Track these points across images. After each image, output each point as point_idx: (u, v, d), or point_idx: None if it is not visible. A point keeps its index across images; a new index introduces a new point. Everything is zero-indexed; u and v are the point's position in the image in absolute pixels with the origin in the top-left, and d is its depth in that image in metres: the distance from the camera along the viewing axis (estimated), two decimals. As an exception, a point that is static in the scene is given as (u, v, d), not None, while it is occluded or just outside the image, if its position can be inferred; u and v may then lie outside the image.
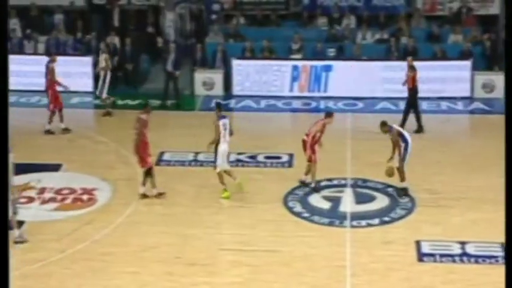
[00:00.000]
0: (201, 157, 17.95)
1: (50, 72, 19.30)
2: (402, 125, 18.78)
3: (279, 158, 17.97)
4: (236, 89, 22.21)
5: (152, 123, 16.16)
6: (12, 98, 21.05)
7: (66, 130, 19.16)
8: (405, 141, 15.70)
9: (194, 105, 21.65)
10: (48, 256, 13.74)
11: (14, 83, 21.39)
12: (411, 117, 19.56)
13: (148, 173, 15.86)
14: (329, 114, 16.22)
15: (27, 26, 23.34)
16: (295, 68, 22.17)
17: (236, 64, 22.24)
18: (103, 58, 20.74)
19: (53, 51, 22.52)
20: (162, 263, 13.77)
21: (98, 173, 16.60)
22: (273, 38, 23.24)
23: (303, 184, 16.12)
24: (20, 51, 22.60)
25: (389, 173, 15.73)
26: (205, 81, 22.32)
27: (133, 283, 13.14)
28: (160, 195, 15.92)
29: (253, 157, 17.94)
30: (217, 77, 22.31)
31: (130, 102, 21.53)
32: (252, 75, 22.09)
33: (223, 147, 15.70)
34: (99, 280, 13.20)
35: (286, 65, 22.13)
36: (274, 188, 16.41)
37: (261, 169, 17.49)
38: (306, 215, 15.31)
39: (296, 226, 14.96)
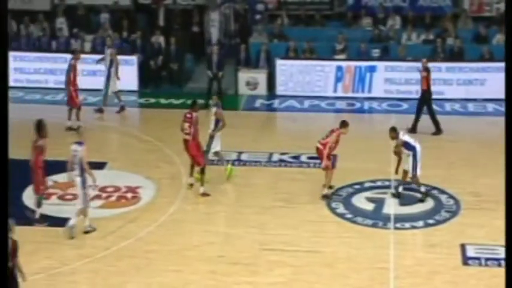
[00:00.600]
0: (244, 157, 18.00)
1: (72, 69, 19.41)
2: (414, 125, 18.87)
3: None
4: (280, 89, 22.22)
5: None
6: (59, 96, 21.46)
7: (70, 129, 19.19)
8: (412, 149, 15.50)
9: (237, 105, 21.71)
10: (94, 253, 13.91)
11: (61, 80, 21.88)
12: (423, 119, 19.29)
13: (202, 171, 16.00)
14: (344, 124, 15.95)
15: (74, 24, 23.60)
16: (339, 68, 22.10)
17: (280, 64, 22.24)
18: (108, 53, 20.67)
19: (99, 50, 22.79)
20: (205, 261, 13.84)
21: (142, 172, 16.74)
22: (317, 38, 23.19)
23: (326, 197, 15.87)
24: (67, 49, 22.85)
25: (403, 177, 15.63)
26: (249, 81, 22.37)
27: (177, 281, 13.23)
28: (205, 195, 16.01)
29: (296, 157, 17.93)
30: (260, 77, 22.34)
31: (174, 101, 21.65)
32: (295, 75, 22.07)
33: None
34: (142, 278, 13.32)
35: (330, 66, 22.07)
36: (317, 189, 16.37)
37: (304, 169, 17.47)
38: (349, 216, 15.26)
39: (339, 227, 14.92)
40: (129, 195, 16.14)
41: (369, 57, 22.54)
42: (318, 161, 17.75)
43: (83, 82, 21.71)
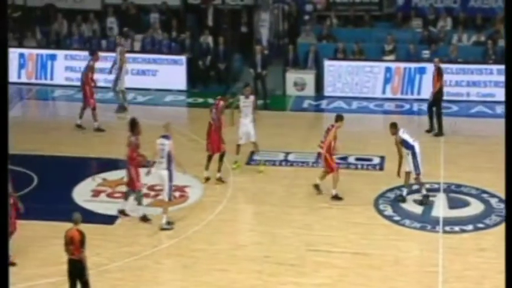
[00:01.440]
0: (291, 157, 17.97)
1: (89, 69, 19.52)
2: (440, 127, 18.95)
3: (370, 160, 17.81)
4: (327, 90, 22.13)
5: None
6: (108, 95, 21.68)
7: (80, 127, 19.29)
8: (410, 147, 15.35)
9: (285, 106, 21.67)
10: (142, 250, 14.02)
11: (110, 79, 22.09)
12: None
13: (221, 158, 16.41)
14: (340, 117, 15.91)
15: (124, 24, 23.82)
16: (388, 69, 21.93)
17: (328, 65, 22.15)
18: (118, 51, 20.71)
19: (149, 49, 22.99)
20: (251, 261, 13.86)
21: (190, 171, 16.79)
22: (365, 39, 23.05)
23: (335, 198, 15.80)
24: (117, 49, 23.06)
25: (405, 180, 15.49)
26: (297, 81, 22.32)
27: (223, 280, 13.27)
28: (220, 180, 16.40)
29: (344, 158, 17.83)
30: (308, 77, 22.28)
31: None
32: (343, 76, 21.96)
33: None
34: (189, 276, 13.39)
35: (379, 67, 21.91)
36: (364, 190, 16.29)
37: (351, 171, 17.37)
38: (397, 218, 15.13)
39: (387, 229, 14.80)
40: (177, 193, 16.20)
41: (418, 58, 22.32)
42: (366, 162, 17.70)
43: (132, 81, 22.01)
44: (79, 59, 22.13)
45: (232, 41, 23.51)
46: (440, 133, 19.18)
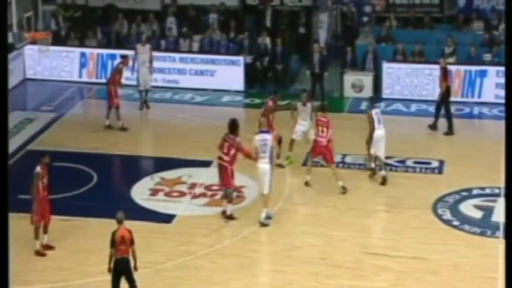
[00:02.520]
0: (348, 159, 17.86)
1: (117, 72, 19.60)
2: (450, 126, 19.08)
3: (428, 163, 17.60)
4: (386, 92, 21.92)
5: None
6: (167, 95, 21.87)
7: (109, 127, 19.34)
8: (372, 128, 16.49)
9: (343, 107, 21.55)
10: (198, 250, 14.10)
11: (169, 79, 22.29)
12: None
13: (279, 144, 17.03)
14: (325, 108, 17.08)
15: (183, 24, 23.98)
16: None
17: (387, 67, 21.95)
18: (141, 50, 20.68)
19: (207, 49, 23.09)
20: (307, 263, 13.82)
21: (248, 171, 16.82)
22: (425, 41, 22.77)
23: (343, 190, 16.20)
24: (175, 49, 23.26)
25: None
26: (355, 83, 22.18)
27: (279, 281, 13.27)
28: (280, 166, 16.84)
29: (402, 161, 17.66)
30: (366, 79, 22.11)
31: (279, 102, 21.60)
32: (402, 78, 21.73)
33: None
34: (245, 276, 13.41)
35: (439, 69, 21.61)
36: (422, 194, 16.10)
37: (409, 174, 17.19)
38: (456, 223, 14.92)
39: (445, 234, 14.61)
40: (234, 194, 16.23)
41: (479, 61, 21.97)
42: (425, 166, 17.49)
43: (190, 81, 22.16)
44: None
45: (290, 42, 23.46)
46: (450, 132, 19.12)
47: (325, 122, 16.48)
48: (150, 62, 20.74)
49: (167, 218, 15.28)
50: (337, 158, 17.84)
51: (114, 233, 12.13)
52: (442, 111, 19.50)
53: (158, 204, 15.84)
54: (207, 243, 14.35)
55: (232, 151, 15.14)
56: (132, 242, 12.11)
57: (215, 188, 16.14)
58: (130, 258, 12.13)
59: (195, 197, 16.16)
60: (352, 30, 24.04)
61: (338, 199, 16.07)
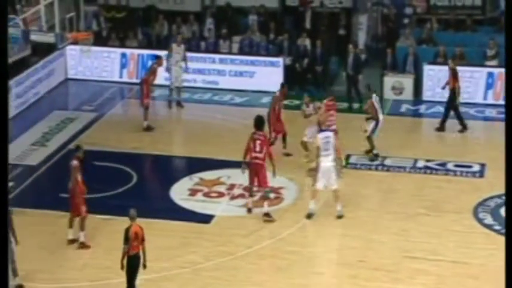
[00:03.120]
0: (388, 162, 17.74)
1: (151, 72, 19.67)
2: (462, 124, 19.31)
3: (469, 167, 17.40)
4: (426, 95, 21.73)
5: (338, 126, 16.81)
6: (206, 96, 21.95)
7: (149, 129, 19.37)
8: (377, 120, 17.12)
9: (382, 109, 21.35)
10: (237, 251, 14.11)
11: (208, 80, 22.35)
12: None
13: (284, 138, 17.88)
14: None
15: (222, 26, 24.03)
16: (490, 75, 21.37)
17: (428, 69, 21.75)
18: (176, 50, 20.79)
19: (246, 51, 23.11)
20: (345, 265, 13.77)
21: (286, 173, 16.81)
22: (467, 44, 22.51)
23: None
24: (215, 50, 23.33)
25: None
26: (395, 85, 22.01)
27: (317, 284, 13.23)
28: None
29: (442, 165, 17.50)
30: (407, 81, 21.93)
31: (318, 103, 21.54)
32: (443, 81, 21.48)
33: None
34: (283, 278, 13.39)
35: (481, 72, 21.38)
36: (463, 198, 15.94)
37: (450, 177, 17.02)
38: (498, 227, 14.74)
39: (486, 238, 14.44)
40: (272, 195, 16.25)
41: (522, 64, 21.65)
42: (465, 169, 17.31)
43: (230, 83, 22.18)
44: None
45: (329, 44, 23.37)
46: (464, 128, 19.37)
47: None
48: (184, 61, 20.84)
49: (206, 219, 15.32)
50: (377, 161, 17.76)
51: (127, 230, 12.31)
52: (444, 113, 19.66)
53: (197, 205, 15.89)
54: (246, 244, 14.36)
55: (265, 148, 15.26)
56: (143, 238, 12.27)
57: (253, 189, 16.13)
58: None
59: (233, 197, 16.18)
60: (393, 32, 23.86)
61: (377, 202, 15.98)
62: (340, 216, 15.23)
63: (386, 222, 15.13)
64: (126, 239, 12.19)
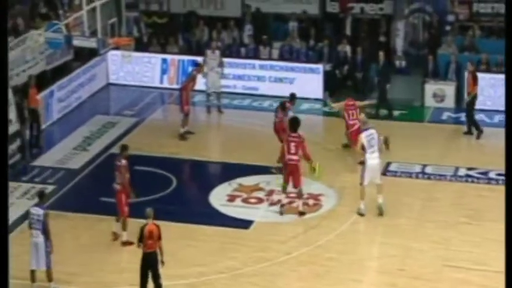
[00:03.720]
0: (428, 170, 17.57)
1: (191, 79, 19.70)
2: (470, 128, 19.46)
3: (512, 176, 17.14)
4: (468, 102, 21.49)
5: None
6: (245, 101, 21.97)
7: (188, 133, 19.31)
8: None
9: (423, 117, 21.21)
10: (275, 257, 14.08)
11: (248, 86, 22.36)
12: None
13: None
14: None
15: (262, 32, 24.04)
16: (532, 82, 21.08)
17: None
18: (211, 57, 20.80)
19: (286, 57, 23.10)
20: (385, 274, 13.66)
21: (325, 180, 16.75)
22: (510, 51, 22.23)
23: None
24: (255, 56, 23.36)
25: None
26: (436, 92, 21.82)
27: (356, 291, 13.14)
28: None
29: (484, 173, 17.29)
30: (448, 89, 21.72)
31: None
32: (486, 88, 21.24)
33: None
34: (322, 285, 13.34)
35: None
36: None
37: (492, 186, 16.81)
38: (541, 237, 14.47)
39: (530, 248, 14.18)
40: (311, 202, 16.21)
41: None
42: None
43: (270, 89, 22.18)
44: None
45: (370, 51, 23.24)
46: (480, 133, 19.44)
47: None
48: (220, 67, 20.87)
49: (245, 224, 15.32)
50: (417, 168, 17.61)
51: (142, 228, 12.41)
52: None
53: (236, 210, 15.90)
54: (284, 250, 14.32)
55: (300, 150, 15.44)
56: (159, 237, 12.39)
57: (292, 195, 16.11)
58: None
59: (272, 203, 16.15)
60: (435, 39, 23.66)
61: (417, 210, 15.83)
62: (381, 210, 15.37)
63: (427, 231, 14.99)
64: (141, 237, 12.35)
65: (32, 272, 12.95)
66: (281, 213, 15.66)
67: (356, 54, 22.69)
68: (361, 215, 15.51)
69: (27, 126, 18.44)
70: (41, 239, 12.78)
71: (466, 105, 19.87)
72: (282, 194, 15.78)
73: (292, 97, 18.38)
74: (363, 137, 15.46)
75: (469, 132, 19.67)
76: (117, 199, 14.41)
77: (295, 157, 15.42)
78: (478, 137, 19.45)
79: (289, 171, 15.47)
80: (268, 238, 14.77)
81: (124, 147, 14.71)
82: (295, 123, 15.84)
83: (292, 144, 15.44)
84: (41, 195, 13.36)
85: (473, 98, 19.62)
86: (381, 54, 21.48)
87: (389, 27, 24.16)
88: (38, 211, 12.88)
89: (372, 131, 15.52)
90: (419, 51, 23.96)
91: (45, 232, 12.78)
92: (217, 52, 21.21)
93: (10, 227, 15.07)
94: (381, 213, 15.44)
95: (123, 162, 14.34)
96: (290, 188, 15.69)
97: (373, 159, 15.36)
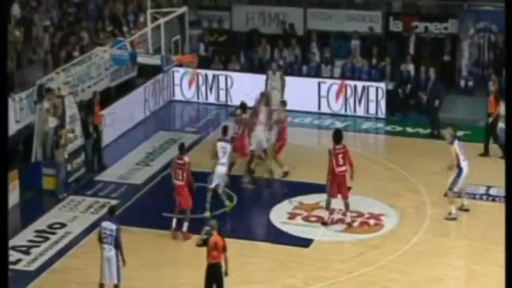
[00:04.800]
0: (493, 191, 17.26)
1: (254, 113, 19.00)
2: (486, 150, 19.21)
3: None
4: (534, 123, 21.06)
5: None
6: (306, 119, 21.93)
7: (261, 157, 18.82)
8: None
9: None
10: (335, 276, 14.00)
11: (310, 104, 22.27)
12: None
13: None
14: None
15: (325, 50, 24.01)
16: None
17: (536, 97, 21.09)
18: (272, 78, 20.71)
19: (348, 75, 23.02)
20: (446, 296, 13.43)
21: (386, 199, 16.61)
22: None
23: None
24: (317, 74, 23.33)
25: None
26: (501, 113, 21.43)
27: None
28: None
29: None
30: (513, 109, 21.32)
31: (421, 131, 21.24)
32: (552, 109, 20.81)
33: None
34: (382, 306, 13.18)
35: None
36: None
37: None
38: None
39: None
40: (372, 221, 16.08)
41: None
42: None
43: (332, 107, 22.13)
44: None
45: (434, 70, 22.99)
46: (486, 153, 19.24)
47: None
48: (282, 89, 20.82)
49: (305, 243, 15.27)
50: (481, 190, 17.31)
51: (207, 239, 12.51)
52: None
53: (296, 228, 15.86)
54: (344, 270, 14.22)
55: (347, 160, 15.69)
56: (224, 248, 12.51)
57: (353, 215, 16.00)
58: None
59: (332, 223, 16.05)
60: (500, 59, 23.30)
61: (482, 232, 15.55)
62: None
63: (491, 254, 14.68)
64: (207, 248, 12.45)
65: (102, 285, 13.12)
66: (325, 224, 15.80)
67: (419, 73, 22.47)
68: (454, 219, 15.90)
69: (91, 142, 18.74)
70: (112, 253, 12.95)
71: (488, 125, 19.36)
72: (326, 210, 15.82)
73: (242, 106, 18.24)
74: (455, 148, 15.90)
75: (486, 154, 19.25)
76: (182, 193, 15.17)
77: (344, 168, 15.66)
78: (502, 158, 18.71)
79: (339, 183, 15.63)
80: (328, 257, 14.68)
81: (183, 145, 15.91)
82: (339, 135, 16.00)
83: (340, 156, 15.64)
84: (112, 210, 13.56)
85: (496, 119, 19.22)
86: (432, 70, 21.24)
87: (454, 46, 23.89)
88: (111, 226, 13.04)
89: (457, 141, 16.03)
90: (484, 71, 23.63)
91: (117, 246, 12.94)
92: (278, 74, 21.16)
93: (72, 241, 15.46)
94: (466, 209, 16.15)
95: (186, 159, 15.48)
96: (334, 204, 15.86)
97: (467, 167, 15.90)
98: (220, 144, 16.44)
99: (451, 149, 15.95)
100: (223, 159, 16.30)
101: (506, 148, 9.44)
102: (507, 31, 10.14)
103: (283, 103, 18.96)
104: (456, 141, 16.07)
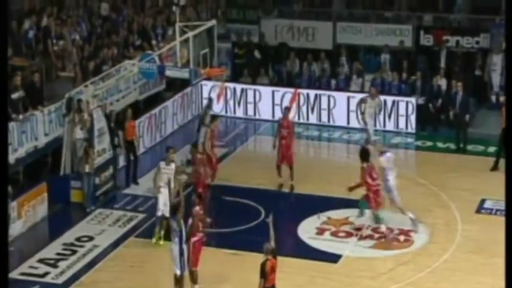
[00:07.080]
0: (524, 208, 16.93)
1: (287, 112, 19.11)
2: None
3: None
4: None
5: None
6: (336, 134, 21.76)
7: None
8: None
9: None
10: (365, 293, 13.81)
11: (338, 118, 22.10)
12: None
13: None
14: None
15: (355, 64, 23.86)
16: None
17: None
18: (370, 104, 20.49)
19: (378, 89, 22.83)
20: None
21: (416, 215, 16.37)
22: None
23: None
24: (346, 88, 23.19)
25: None
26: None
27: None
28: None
29: None
30: (547, 125, 20.98)
31: (452, 146, 20.98)
32: None
33: None
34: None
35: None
36: None
37: None
38: None
39: None
40: (402, 237, 15.88)
41: None
42: None
43: (355, 120, 21.97)
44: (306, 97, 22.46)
45: (466, 85, 22.73)
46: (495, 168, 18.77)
47: None
48: (379, 111, 21.00)
49: (333, 258, 15.10)
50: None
51: (264, 264, 12.28)
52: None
53: (324, 244, 15.69)
54: (373, 286, 14.05)
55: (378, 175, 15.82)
56: (273, 271, 12.35)
57: (382, 230, 15.79)
58: None
59: (361, 238, 15.87)
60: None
61: (513, 249, 15.24)
62: None
63: (523, 271, 14.38)
64: (263, 273, 12.16)
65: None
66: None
67: (451, 88, 22.22)
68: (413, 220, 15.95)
69: (125, 158, 18.71)
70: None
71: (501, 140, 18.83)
72: (381, 225, 15.80)
73: (213, 117, 18.78)
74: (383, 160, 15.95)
75: (495, 168, 18.84)
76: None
77: (378, 181, 15.75)
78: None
79: (378, 196, 15.72)
80: (357, 273, 14.50)
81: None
82: (366, 153, 16.03)
83: (373, 171, 15.77)
84: (175, 208, 13.78)
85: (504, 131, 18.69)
86: (459, 85, 20.97)
87: (486, 61, 23.62)
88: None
89: None
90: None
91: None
92: (377, 99, 20.65)
93: (100, 254, 15.40)
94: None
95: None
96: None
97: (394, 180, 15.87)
98: None
99: (379, 162, 15.94)
100: None
101: (506, 148, 9.28)
102: (507, 31, 9.94)
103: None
104: (387, 155, 16.06)
